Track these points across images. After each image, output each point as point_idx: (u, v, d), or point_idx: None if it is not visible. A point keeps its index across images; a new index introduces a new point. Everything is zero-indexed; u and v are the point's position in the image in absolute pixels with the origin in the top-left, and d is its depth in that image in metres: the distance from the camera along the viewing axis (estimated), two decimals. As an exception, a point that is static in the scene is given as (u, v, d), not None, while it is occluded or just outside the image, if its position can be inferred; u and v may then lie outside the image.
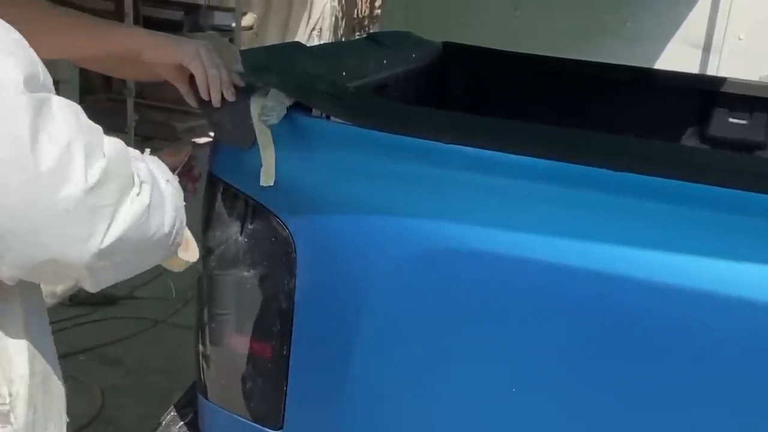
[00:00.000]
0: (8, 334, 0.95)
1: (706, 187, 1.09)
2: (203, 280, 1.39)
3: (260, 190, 1.27)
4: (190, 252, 1.22)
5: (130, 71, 1.38)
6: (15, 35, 0.85)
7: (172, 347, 3.12)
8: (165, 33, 1.33)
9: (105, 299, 3.44)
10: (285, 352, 1.32)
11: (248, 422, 1.39)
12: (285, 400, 1.34)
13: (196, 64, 1.26)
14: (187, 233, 1.22)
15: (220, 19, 7.56)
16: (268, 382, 1.36)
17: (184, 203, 1.07)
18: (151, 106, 6.28)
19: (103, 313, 3.35)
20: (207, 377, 1.44)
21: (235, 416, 1.40)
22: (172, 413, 1.59)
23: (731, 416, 1.09)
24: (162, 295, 3.41)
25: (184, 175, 1.25)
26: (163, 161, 1.11)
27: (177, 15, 7.26)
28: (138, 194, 0.91)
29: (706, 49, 3.56)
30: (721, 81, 2.51)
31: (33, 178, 0.80)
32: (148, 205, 0.92)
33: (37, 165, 0.80)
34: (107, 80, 6.65)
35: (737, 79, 2.51)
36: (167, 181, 1.02)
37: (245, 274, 1.33)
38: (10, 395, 0.95)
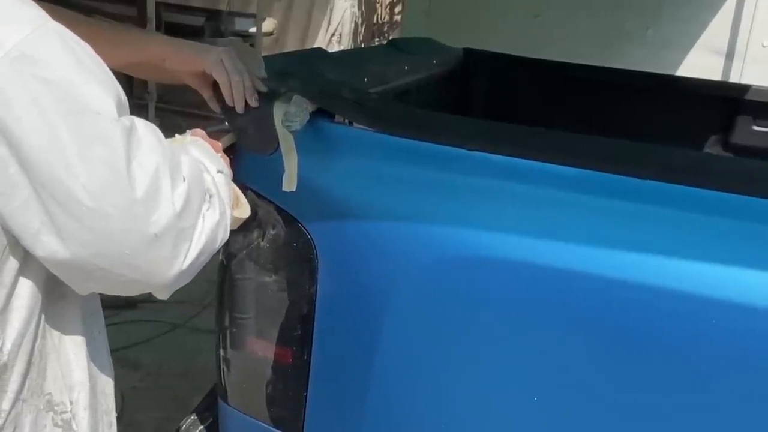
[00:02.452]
0: (68, 340, 0.96)
1: (730, 196, 1.08)
2: (224, 284, 1.40)
3: (282, 196, 1.27)
4: (241, 208, 1.22)
5: (152, 74, 1.39)
6: (96, 57, 0.87)
7: (191, 351, 3.13)
8: (188, 41, 1.34)
9: (125, 302, 3.46)
10: (305, 357, 1.32)
11: (268, 427, 1.39)
12: (305, 406, 1.34)
13: (219, 70, 1.27)
14: (237, 190, 1.22)
15: (240, 24, 7.60)
16: (288, 387, 1.36)
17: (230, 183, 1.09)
18: (172, 110, 6.31)
19: (123, 316, 3.37)
20: (227, 381, 1.45)
21: (255, 421, 1.41)
22: (191, 417, 1.59)
23: (735, 420, 1.08)
24: (182, 298, 3.41)
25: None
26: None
27: (198, 20, 7.31)
28: (208, 209, 0.95)
29: (729, 55, 3.52)
30: (744, 88, 2.49)
31: (129, 205, 0.83)
32: (218, 220, 0.96)
33: (133, 192, 0.83)
34: (129, 84, 6.70)
35: (761, 86, 2.48)
36: (219, 171, 1.03)
37: (266, 278, 1.33)
38: (71, 402, 0.96)
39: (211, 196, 0.96)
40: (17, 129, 0.79)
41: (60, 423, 0.95)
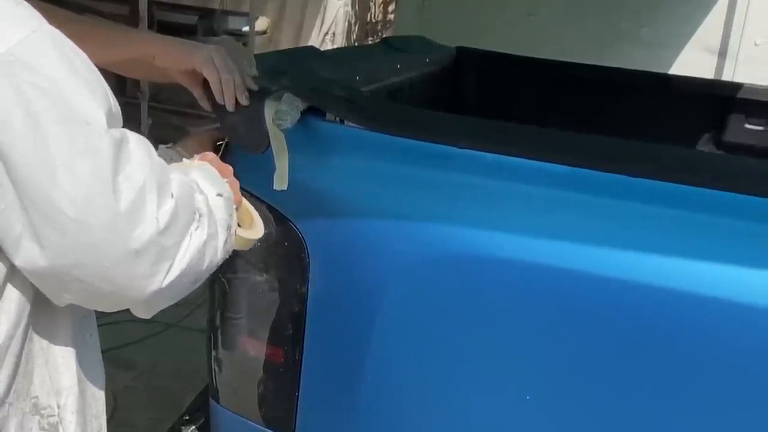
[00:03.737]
0: (56, 343, 0.95)
1: (723, 194, 1.08)
2: (216, 283, 1.39)
3: (273, 195, 1.26)
4: (254, 229, 1.20)
5: (143, 72, 1.39)
6: (91, 66, 0.86)
7: (184, 351, 3.12)
8: (178, 38, 1.33)
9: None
10: (297, 357, 1.31)
11: (260, 427, 1.39)
12: (297, 405, 1.34)
13: (209, 68, 1.26)
14: (251, 210, 1.21)
15: (234, 23, 7.58)
16: (280, 386, 1.35)
17: (234, 208, 1.07)
18: (165, 109, 6.29)
19: (115, 315, 3.32)
20: (219, 381, 1.44)
21: (247, 421, 1.40)
22: (184, 417, 1.59)
23: (732, 419, 1.08)
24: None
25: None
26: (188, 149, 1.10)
27: (191, 19, 7.29)
28: (197, 228, 0.92)
29: (722, 54, 3.53)
30: (737, 87, 2.49)
31: (112, 218, 0.82)
32: (205, 240, 0.94)
33: (117, 205, 0.82)
34: (121, 83, 6.67)
35: (754, 84, 2.49)
36: (218, 194, 1.01)
37: (258, 278, 1.32)
38: (59, 406, 0.95)
39: (201, 216, 0.94)
40: (3, 133, 0.78)
41: (46, 426, 0.94)
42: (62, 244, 0.81)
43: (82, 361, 0.99)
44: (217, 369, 1.43)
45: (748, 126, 2.42)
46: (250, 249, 1.15)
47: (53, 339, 0.95)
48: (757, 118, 2.41)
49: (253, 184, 1.30)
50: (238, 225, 1.14)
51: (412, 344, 1.23)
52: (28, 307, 0.89)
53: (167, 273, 0.88)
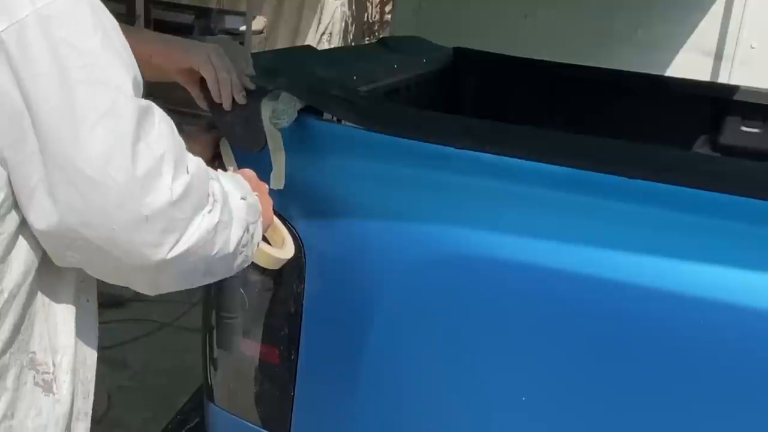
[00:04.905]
0: (57, 302, 0.96)
1: (720, 195, 1.08)
2: (211, 283, 1.39)
3: (270, 194, 1.26)
4: (285, 249, 1.22)
5: (140, 71, 1.38)
6: (121, 34, 0.89)
7: (178, 350, 3.12)
8: (175, 37, 1.33)
9: (112, 301, 3.44)
10: (293, 357, 1.31)
11: (255, 427, 1.39)
12: (292, 405, 1.34)
13: (206, 67, 1.26)
14: (284, 231, 1.23)
15: (230, 22, 7.59)
16: (275, 386, 1.35)
17: (259, 217, 1.08)
18: (161, 108, 6.27)
19: (110, 315, 3.35)
20: (214, 381, 1.44)
21: (242, 421, 1.40)
22: (178, 417, 1.58)
23: (729, 421, 1.08)
24: (169, 297, 3.40)
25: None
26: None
27: (188, 18, 7.29)
28: (210, 211, 0.93)
29: (718, 57, 3.54)
30: (733, 89, 2.50)
31: (127, 181, 0.83)
32: (216, 224, 0.94)
33: (134, 169, 0.83)
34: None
35: (750, 87, 2.49)
36: (242, 198, 1.03)
37: (254, 277, 1.32)
38: (54, 365, 0.96)
39: (215, 201, 0.95)
40: (33, 85, 0.80)
41: (41, 383, 0.95)
42: (75, 201, 0.83)
43: (79, 324, 1.00)
44: (212, 368, 1.43)
45: (744, 128, 2.43)
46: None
47: (55, 297, 0.96)
48: (753, 120, 2.41)
49: (249, 183, 1.30)
50: (269, 243, 1.17)
51: (409, 344, 1.23)
52: (36, 261, 0.90)
53: (174, 245, 0.88)
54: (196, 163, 0.94)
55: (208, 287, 1.39)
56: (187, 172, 0.90)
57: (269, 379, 1.36)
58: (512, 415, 1.19)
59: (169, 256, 0.88)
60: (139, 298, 3.57)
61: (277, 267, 1.19)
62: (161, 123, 0.89)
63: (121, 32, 0.89)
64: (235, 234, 0.99)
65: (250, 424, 1.39)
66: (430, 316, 1.20)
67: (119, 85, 0.84)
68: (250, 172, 1.16)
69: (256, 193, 1.09)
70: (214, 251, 0.95)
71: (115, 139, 0.82)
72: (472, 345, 1.19)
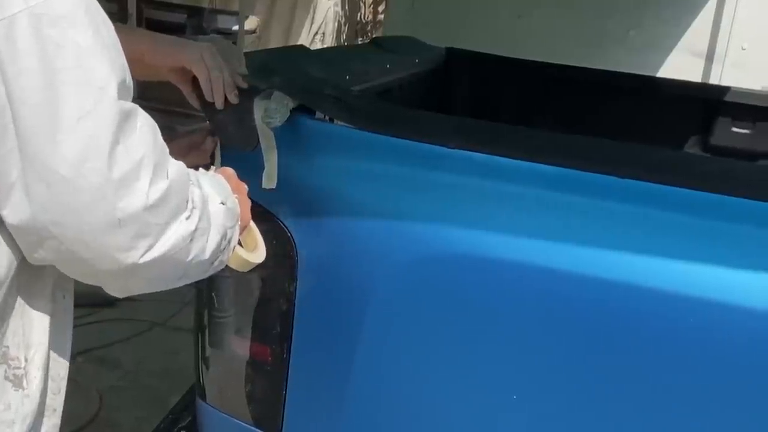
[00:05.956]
0: (34, 297, 0.96)
1: (710, 196, 1.09)
2: (203, 282, 1.38)
3: (262, 193, 1.26)
4: (257, 253, 1.21)
5: (132, 70, 1.38)
6: (114, 33, 0.89)
7: (170, 350, 3.11)
8: (167, 36, 1.33)
9: (103, 301, 3.43)
10: (285, 356, 1.31)
11: (247, 426, 1.38)
12: (284, 404, 1.34)
13: (199, 66, 1.26)
14: (256, 233, 1.22)
15: (223, 22, 7.56)
16: (267, 385, 1.35)
17: (237, 221, 1.07)
18: (153, 107, 6.25)
19: (101, 314, 3.34)
20: (206, 380, 1.44)
21: (234, 420, 1.40)
22: (170, 416, 1.58)
23: (726, 421, 1.09)
24: (160, 297, 3.40)
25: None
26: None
27: (180, 18, 7.26)
28: (187, 218, 0.93)
29: (709, 58, 3.56)
30: (724, 90, 2.51)
31: (101, 183, 0.83)
32: (194, 231, 0.94)
33: (109, 172, 0.83)
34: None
35: (741, 88, 2.51)
36: (222, 202, 1.02)
37: (246, 276, 1.32)
38: (26, 360, 0.96)
39: (194, 208, 0.94)
40: (17, 81, 0.80)
41: (12, 378, 0.94)
42: (47, 199, 0.82)
43: (54, 320, 0.99)
44: (204, 368, 1.43)
45: (734, 129, 2.44)
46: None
47: (32, 293, 0.95)
48: (744, 121, 2.43)
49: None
50: (242, 245, 1.15)
51: (401, 343, 1.23)
52: (16, 260, 0.90)
53: (147, 251, 0.88)
54: (177, 168, 0.93)
55: (199, 287, 1.39)
56: (167, 178, 0.89)
57: (261, 378, 1.36)
58: (505, 414, 1.19)
59: (141, 261, 0.88)
60: (130, 297, 3.55)
61: (246, 270, 1.18)
62: (143, 127, 0.88)
63: (114, 33, 0.89)
64: (212, 240, 0.98)
65: (242, 423, 1.39)
66: (422, 315, 1.21)
67: (103, 87, 0.84)
68: (229, 170, 1.15)
69: (235, 195, 1.08)
70: (190, 257, 0.94)
71: (92, 141, 0.82)
72: (465, 344, 1.19)
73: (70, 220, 0.83)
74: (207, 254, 0.98)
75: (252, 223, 1.20)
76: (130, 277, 0.90)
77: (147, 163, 0.86)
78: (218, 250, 1.00)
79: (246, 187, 1.16)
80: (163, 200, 0.88)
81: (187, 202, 0.93)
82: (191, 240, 0.93)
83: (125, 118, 0.86)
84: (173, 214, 0.90)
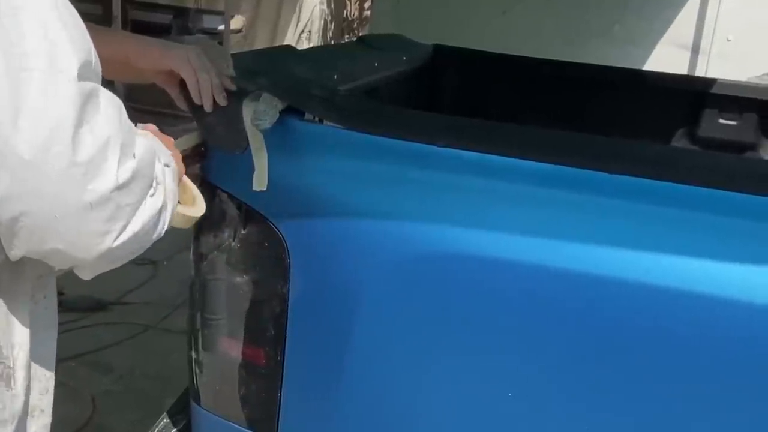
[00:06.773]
0: (16, 297, 0.95)
1: (698, 189, 1.09)
2: (196, 285, 1.38)
3: (253, 195, 1.26)
4: (196, 207, 1.19)
5: (119, 73, 1.37)
6: (80, 21, 0.87)
7: (163, 353, 3.10)
8: (154, 38, 1.32)
9: (95, 304, 3.41)
10: (279, 358, 1.31)
11: (241, 428, 1.38)
12: (279, 406, 1.33)
13: (186, 68, 1.25)
14: (193, 188, 1.19)
15: (208, 22, 7.54)
16: (261, 387, 1.35)
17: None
18: (141, 110, 6.23)
19: (93, 318, 3.32)
20: (200, 383, 1.43)
21: (228, 423, 1.40)
22: (164, 420, 1.58)
23: (726, 418, 1.09)
24: (153, 299, 3.38)
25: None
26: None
27: (165, 18, 7.23)
28: (152, 195, 0.92)
29: (695, 50, 3.57)
30: (710, 82, 2.52)
31: (67, 167, 0.81)
32: (160, 207, 0.93)
33: (74, 154, 0.81)
34: (96, 84, 6.60)
35: (727, 80, 2.52)
36: (165, 165, 1.00)
37: (238, 279, 1.32)
38: (13, 359, 0.95)
39: (158, 184, 0.93)
40: None
41: (4, 377, 0.94)
42: (13, 188, 0.80)
43: (35, 321, 0.98)
44: (197, 371, 1.43)
45: (721, 121, 2.45)
46: (225, 247, 1.14)
47: (13, 293, 0.94)
48: (731, 113, 2.44)
49: (232, 185, 1.30)
50: (179, 202, 1.11)
51: (395, 344, 1.23)
52: (1, 256, 0.89)
53: (120, 233, 0.87)
54: (144, 146, 0.91)
55: (192, 289, 1.39)
56: (134, 157, 0.88)
57: (255, 380, 1.36)
58: (499, 413, 1.20)
59: (115, 244, 0.87)
60: (122, 301, 3.55)
61: (188, 226, 1.14)
62: (108, 107, 0.86)
63: (75, 13, 0.87)
64: (170, 212, 0.97)
65: (236, 426, 1.39)
66: (415, 314, 1.21)
67: (63, 69, 0.82)
68: (152, 126, 1.12)
69: (170, 151, 1.06)
70: (156, 232, 0.94)
71: (55, 124, 0.80)
72: (458, 343, 1.19)
73: (38, 207, 0.81)
74: (167, 225, 0.97)
75: (185, 177, 1.17)
76: (101, 261, 0.89)
77: (114, 143, 0.84)
78: (170, 215, 0.99)
79: (172, 140, 1.13)
80: (133, 179, 0.87)
81: (153, 179, 0.92)
82: (158, 215, 0.93)
83: (87, 98, 0.83)
84: (142, 193, 0.89)
